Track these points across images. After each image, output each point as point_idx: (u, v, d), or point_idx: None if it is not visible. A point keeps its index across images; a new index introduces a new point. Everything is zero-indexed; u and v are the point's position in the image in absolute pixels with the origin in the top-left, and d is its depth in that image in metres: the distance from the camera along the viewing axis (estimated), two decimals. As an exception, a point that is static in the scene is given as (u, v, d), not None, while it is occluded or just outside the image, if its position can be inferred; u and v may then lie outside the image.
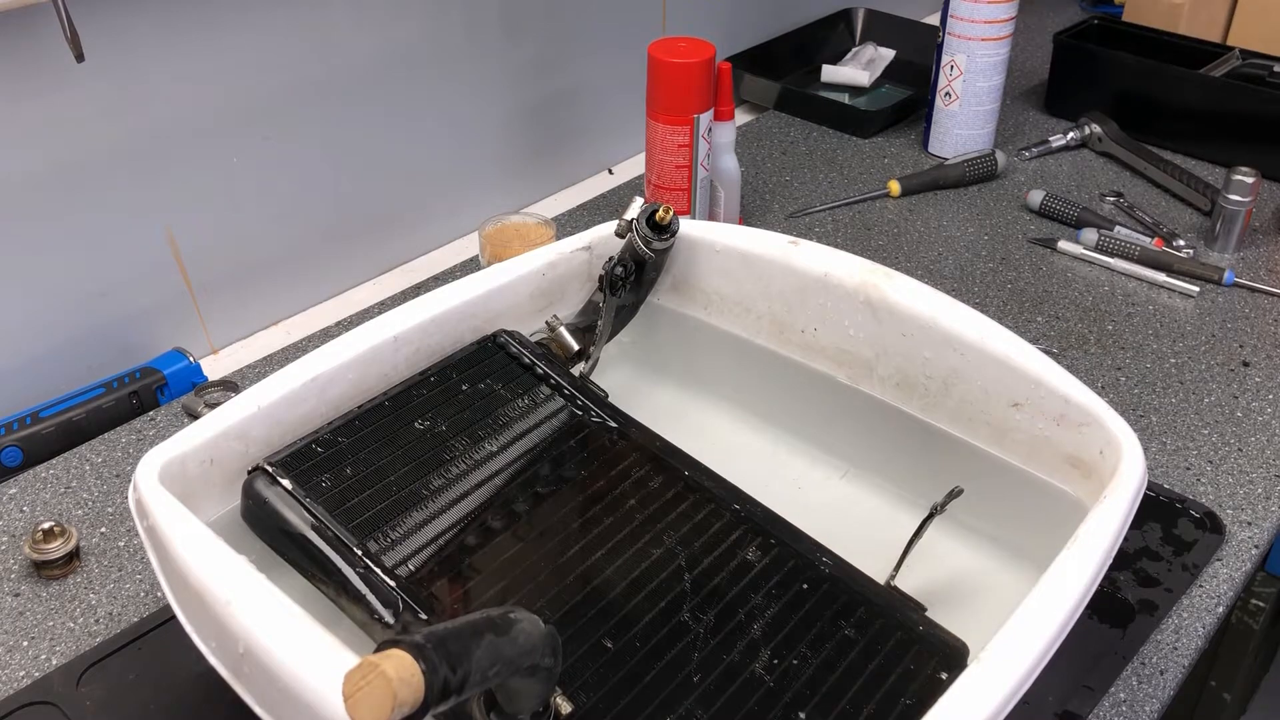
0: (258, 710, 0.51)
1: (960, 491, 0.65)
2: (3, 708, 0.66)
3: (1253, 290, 1.06)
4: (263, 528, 0.61)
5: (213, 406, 0.73)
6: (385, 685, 0.36)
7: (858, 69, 1.46)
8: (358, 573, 0.57)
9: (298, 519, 0.59)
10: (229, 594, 0.52)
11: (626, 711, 0.53)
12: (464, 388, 0.69)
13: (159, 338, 0.96)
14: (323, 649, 0.49)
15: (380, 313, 0.72)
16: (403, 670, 0.36)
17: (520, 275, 0.76)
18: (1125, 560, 0.76)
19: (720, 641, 0.57)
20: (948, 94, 1.27)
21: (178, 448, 0.60)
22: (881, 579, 0.63)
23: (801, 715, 0.54)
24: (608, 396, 0.74)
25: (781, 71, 1.44)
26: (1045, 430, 0.66)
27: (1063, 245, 1.12)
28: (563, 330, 0.77)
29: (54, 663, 0.69)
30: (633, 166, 1.30)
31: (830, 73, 1.46)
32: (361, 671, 0.36)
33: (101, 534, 0.79)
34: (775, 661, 0.56)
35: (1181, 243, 1.12)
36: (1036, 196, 1.18)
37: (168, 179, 0.91)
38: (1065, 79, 1.37)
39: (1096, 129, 1.30)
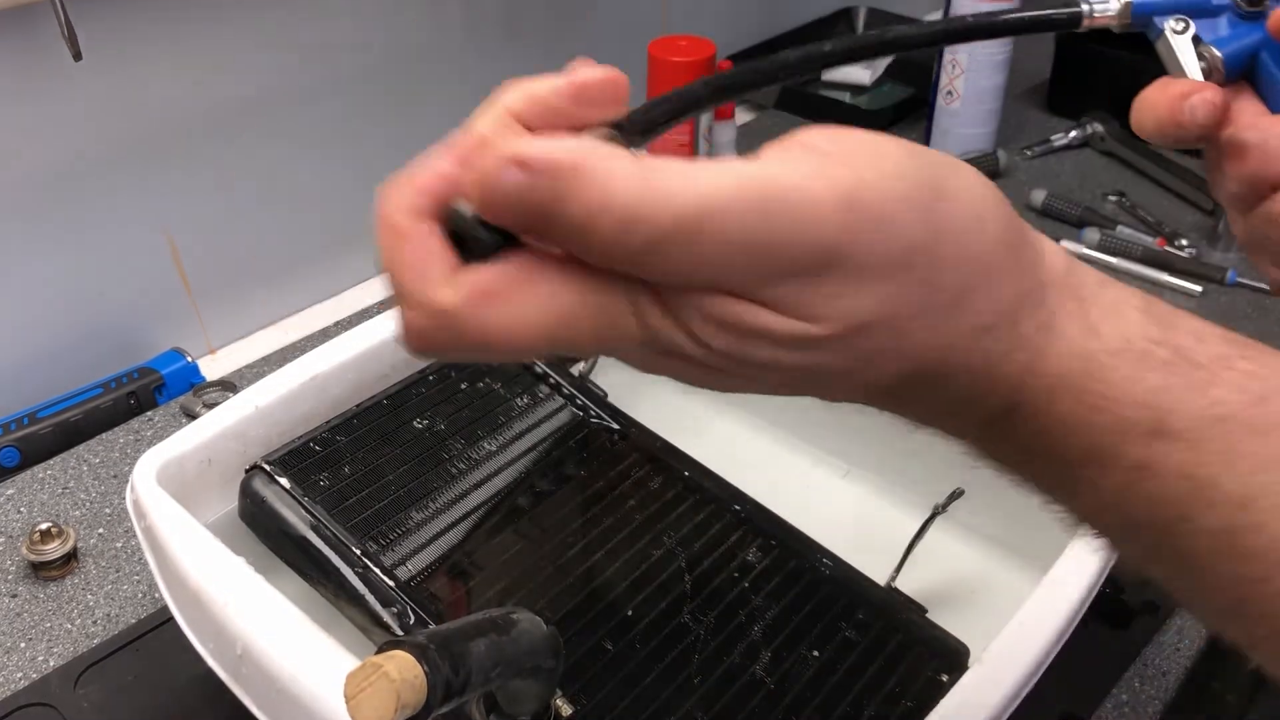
0: (256, 712, 0.51)
1: (962, 492, 0.64)
2: (1, 709, 0.65)
3: (1255, 290, 1.06)
4: (260, 527, 0.60)
5: (211, 407, 0.72)
6: (388, 686, 0.36)
7: (859, 67, 1.46)
8: (356, 573, 0.57)
9: (296, 518, 0.59)
10: (227, 595, 0.52)
11: (627, 713, 0.53)
12: (462, 386, 0.69)
13: (157, 338, 0.96)
14: (321, 650, 0.49)
15: (379, 313, 0.71)
16: (405, 671, 0.36)
17: (520, 275, 0.75)
18: (1127, 561, 0.76)
19: (721, 643, 0.57)
20: (949, 92, 1.27)
21: (175, 448, 0.60)
22: (882, 580, 0.63)
23: (802, 717, 0.54)
24: (607, 396, 0.73)
25: (782, 71, 1.44)
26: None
27: (1065, 245, 1.11)
28: (563, 330, 0.76)
29: (51, 664, 0.69)
30: (633, 166, 1.30)
31: (831, 71, 1.46)
32: (364, 673, 0.36)
33: (99, 535, 0.79)
34: (776, 663, 0.56)
35: (1184, 242, 1.12)
36: (1038, 196, 1.18)
37: (166, 179, 0.91)
38: (1067, 77, 1.37)
39: (1099, 128, 1.30)
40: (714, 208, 0.25)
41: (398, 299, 0.27)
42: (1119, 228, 1.13)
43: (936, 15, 1.65)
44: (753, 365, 0.28)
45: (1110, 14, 0.40)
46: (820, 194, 0.26)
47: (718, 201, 0.25)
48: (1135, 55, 1.32)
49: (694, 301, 0.27)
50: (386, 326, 0.69)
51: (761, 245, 0.26)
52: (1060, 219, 1.17)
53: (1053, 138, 1.31)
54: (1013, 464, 0.33)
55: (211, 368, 0.97)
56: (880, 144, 0.29)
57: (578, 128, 0.29)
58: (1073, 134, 1.31)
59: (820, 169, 0.27)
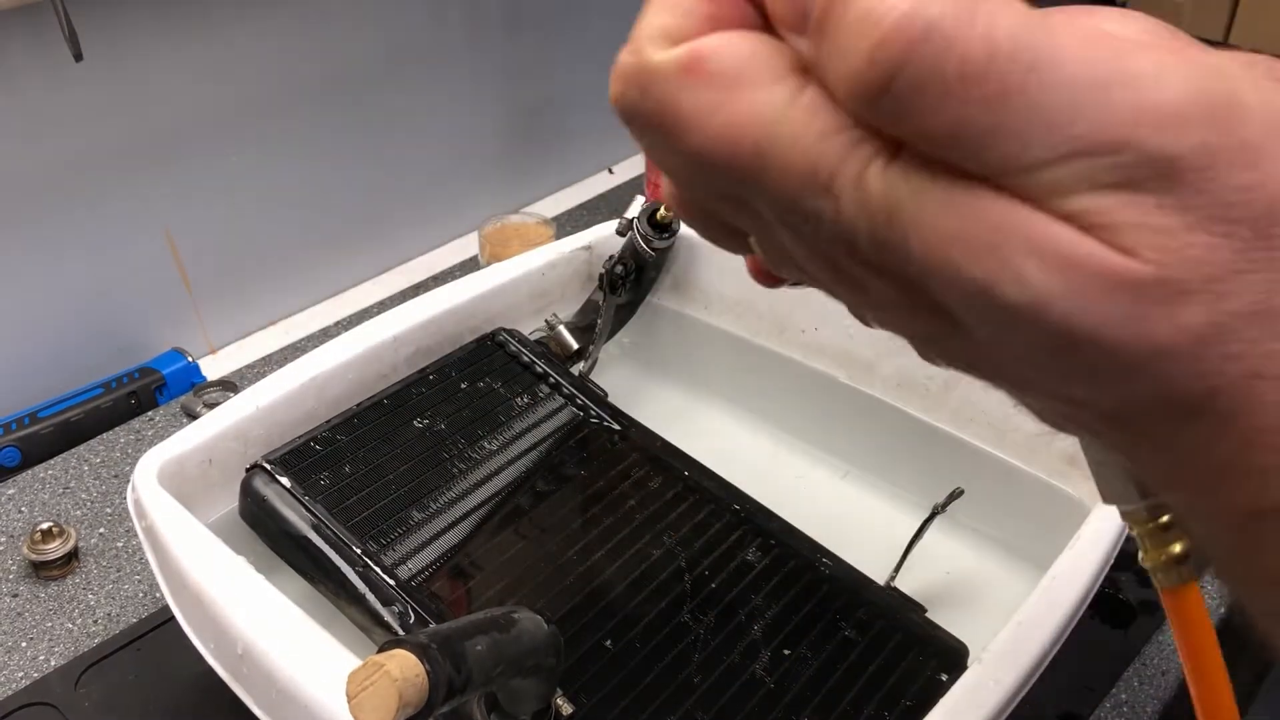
0: (256, 711, 0.51)
1: (961, 492, 0.64)
2: (1, 709, 0.66)
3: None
4: (261, 526, 0.60)
5: (211, 407, 0.72)
6: (390, 685, 0.36)
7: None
8: (356, 572, 0.57)
9: (296, 517, 0.59)
10: (227, 594, 0.52)
11: (627, 712, 0.53)
12: (463, 386, 0.69)
13: (157, 338, 0.96)
14: (322, 650, 0.49)
15: (380, 312, 0.72)
16: (407, 670, 0.36)
17: (519, 275, 0.75)
18: (1127, 560, 0.76)
19: (721, 642, 0.57)
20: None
21: (176, 448, 0.60)
22: (882, 579, 0.63)
23: (802, 717, 0.54)
24: (607, 396, 0.73)
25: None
26: (1047, 430, 0.66)
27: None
28: (562, 329, 0.76)
29: (52, 664, 0.69)
30: (633, 166, 1.30)
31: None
32: (366, 672, 0.36)
33: (100, 534, 0.79)
34: (775, 663, 0.56)
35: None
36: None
37: (167, 179, 0.91)
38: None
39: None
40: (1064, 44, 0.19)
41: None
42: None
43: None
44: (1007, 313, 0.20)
45: None
46: (1197, 95, 0.19)
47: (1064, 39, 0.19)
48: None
49: (950, 183, 0.20)
50: (386, 326, 0.70)
51: (1108, 118, 0.19)
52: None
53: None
54: (1263, 586, 0.23)
55: (212, 367, 0.97)
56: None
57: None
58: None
59: (1182, 55, 0.20)
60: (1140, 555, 0.28)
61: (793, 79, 0.21)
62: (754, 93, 0.21)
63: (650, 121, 0.22)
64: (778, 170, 0.21)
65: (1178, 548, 0.28)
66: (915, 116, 0.19)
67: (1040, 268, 0.19)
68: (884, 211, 0.20)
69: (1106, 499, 0.29)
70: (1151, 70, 0.19)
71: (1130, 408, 0.21)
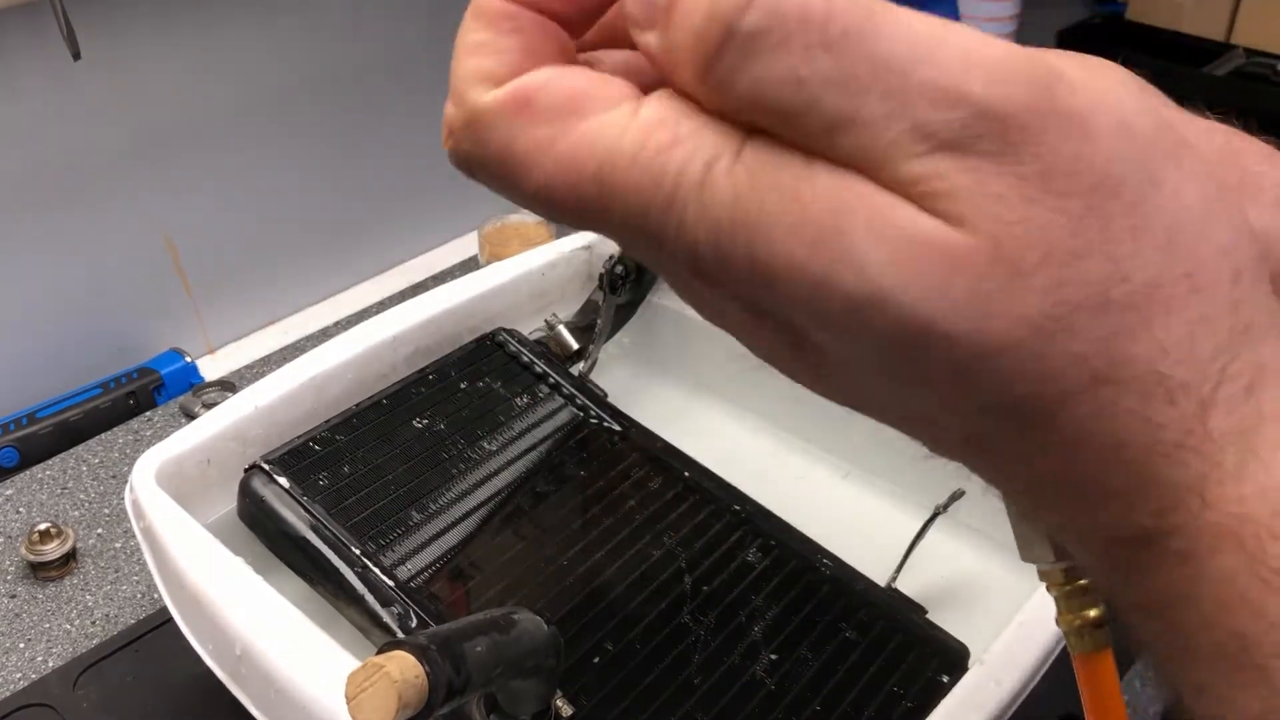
0: (255, 712, 0.51)
1: (963, 493, 0.64)
2: (-1, 710, 0.65)
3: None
4: (259, 527, 0.60)
5: (210, 407, 0.72)
6: (389, 687, 0.36)
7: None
8: (355, 573, 0.57)
9: (295, 518, 0.59)
10: (226, 595, 0.52)
11: (627, 714, 0.53)
12: (462, 386, 0.69)
13: (156, 338, 0.95)
14: (321, 651, 0.49)
15: (379, 312, 0.71)
16: (407, 671, 0.36)
17: (519, 275, 0.75)
18: (1127, 561, 0.76)
19: (721, 643, 0.57)
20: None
21: (174, 448, 0.60)
22: (882, 581, 0.63)
23: (802, 718, 0.54)
24: (607, 396, 0.73)
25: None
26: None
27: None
28: (561, 329, 0.76)
29: (50, 665, 0.69)
30: (632, 166, 1.30)
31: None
32: (365, 673, 0.36)
33: (98, 535, 0.78)
34: (776, 664, 0.56)
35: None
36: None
37: (166, 179, 0.91)
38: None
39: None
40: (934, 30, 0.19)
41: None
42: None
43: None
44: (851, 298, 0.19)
45: None
46: (1022, 61, 0.19)
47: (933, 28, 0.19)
48: (1136, 55, 1.32)
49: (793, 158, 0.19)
50: (386, 326, 0.69)
51: (944, 66, 0.19)
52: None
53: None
54: (1135, 616, 0.22)
55: (211, 368, 0.97)
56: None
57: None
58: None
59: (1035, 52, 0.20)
60: (1055, 617, 0.27)
61: (628, 104, 0.20)
62: (589, 120, 0.20)
63: (490, 169, 0.22)
64: (620, 193, 0.20)
65: (1093, 612, 0.27)
66: (757, 69, 0.19)
67: (879, 251, 0.19)
68: (728, 215, 0.19)
69: (1024, 557, 0.28)
70: (978, 36, 0.19)
71: (983, 424, 0.20)
